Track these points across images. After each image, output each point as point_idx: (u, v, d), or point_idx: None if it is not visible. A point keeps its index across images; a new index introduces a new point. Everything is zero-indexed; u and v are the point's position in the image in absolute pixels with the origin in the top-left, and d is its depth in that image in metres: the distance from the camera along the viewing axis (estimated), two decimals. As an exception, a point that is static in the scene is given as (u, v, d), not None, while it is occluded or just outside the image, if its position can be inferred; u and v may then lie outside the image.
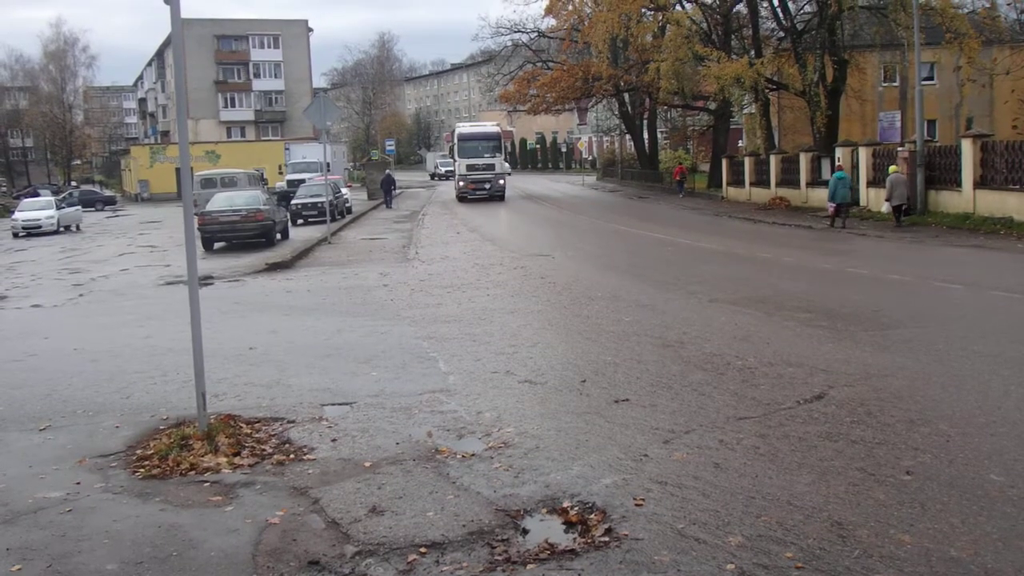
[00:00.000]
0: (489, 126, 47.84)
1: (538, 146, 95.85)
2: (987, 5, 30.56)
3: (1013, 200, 21.63)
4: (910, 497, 5.27)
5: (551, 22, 49.63)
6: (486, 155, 43.83)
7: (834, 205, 25.09)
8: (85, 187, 65.43)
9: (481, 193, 43.54)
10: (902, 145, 27.93)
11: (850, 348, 9.32)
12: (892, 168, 25.53)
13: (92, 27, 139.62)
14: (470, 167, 43.53)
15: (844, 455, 6.03)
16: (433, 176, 79.99)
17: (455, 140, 45.06)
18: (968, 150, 23.46)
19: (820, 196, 28.10)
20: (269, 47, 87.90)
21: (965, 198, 23.56)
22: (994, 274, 15.11)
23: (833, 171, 26.96)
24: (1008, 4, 31.29)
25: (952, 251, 18.44)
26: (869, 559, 4.50)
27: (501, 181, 44.29)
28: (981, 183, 23.05)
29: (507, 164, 48.72)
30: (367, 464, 6.24)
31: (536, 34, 52.22)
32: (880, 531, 4.81)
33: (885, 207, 24.90)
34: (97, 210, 55.62)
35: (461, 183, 44.02)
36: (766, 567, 4.42)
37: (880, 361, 8.69)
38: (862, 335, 10.03)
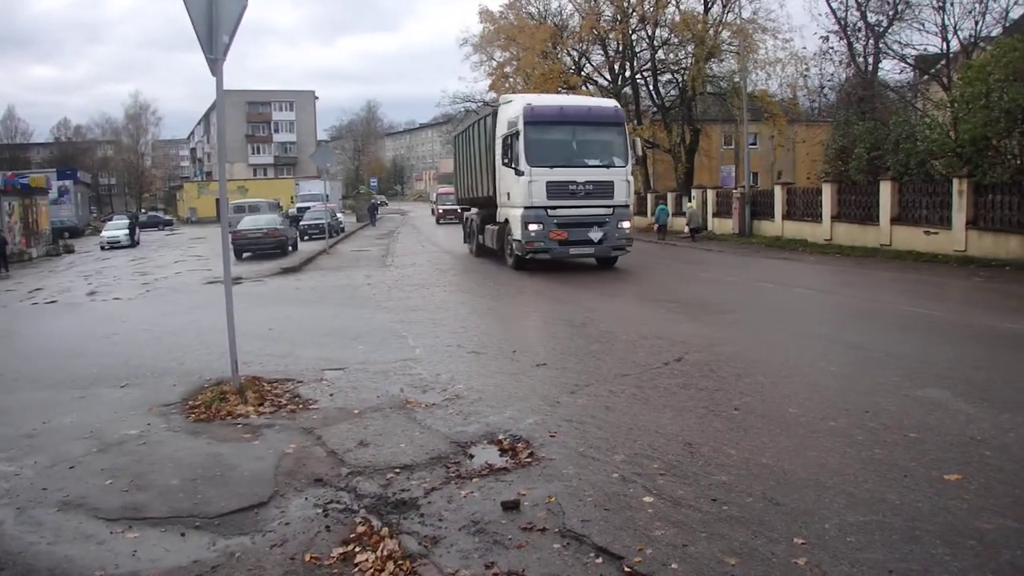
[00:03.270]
0: (596, 100, 18.28)
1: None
2: (791, 96, 32.45)
3: (807, 228, 22.91)
4: (736, 425, 5.43)
5: (493, 95, 47.85)
6: (592, 161, 15.11)
7: (658, 225, 27.55)
8: (151, 213, 64.92)
9: (583, 249, 15.44)
10: (736, 189, 28.83)
11: (700, 326, 9.52)
12: (688, 204, 28.25)
13: (159, 96, 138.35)
14: (558, 188, 14.83)
15: (694, 398, 6.16)
16: (434, 212, 44.39)
17: (520, 126, 14.80)
18: (778, 193, 24.84)
19: (681, 222, 28.72)
20: (286, 110, 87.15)
21: (777, 225, 24.74)
22: (795, 277, 15.53)
23: (659, 204, 29.28)
24: (804, 95, 33.08)
25: (769, 261, 18.92)
26: (708, 466, 4.64)
27: (624, 223, 15.48)
28: (787, 215, 24.35)
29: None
30: (356, 411, 6.16)
31: (482, 103, 50.89)
32: (716, 448, 4.95)
33: (686, 229, 26.92)
34: (159, 229, 54.35)
35: (533, 226, 14.97)
36: (640, 474, 4.53)
37: (719, 335, 8.90)
38: (707, 317, 10.26)
